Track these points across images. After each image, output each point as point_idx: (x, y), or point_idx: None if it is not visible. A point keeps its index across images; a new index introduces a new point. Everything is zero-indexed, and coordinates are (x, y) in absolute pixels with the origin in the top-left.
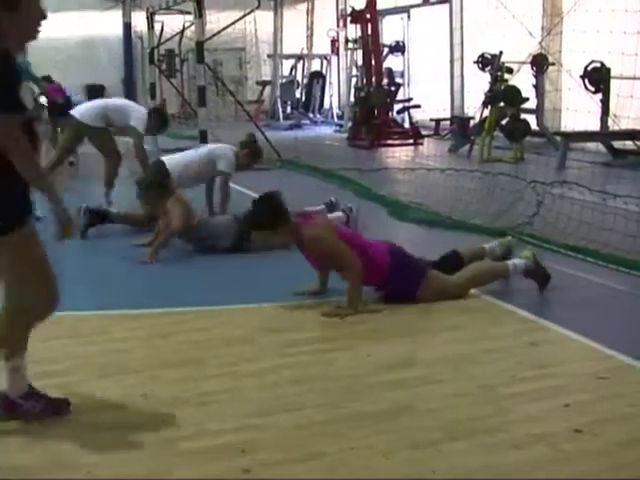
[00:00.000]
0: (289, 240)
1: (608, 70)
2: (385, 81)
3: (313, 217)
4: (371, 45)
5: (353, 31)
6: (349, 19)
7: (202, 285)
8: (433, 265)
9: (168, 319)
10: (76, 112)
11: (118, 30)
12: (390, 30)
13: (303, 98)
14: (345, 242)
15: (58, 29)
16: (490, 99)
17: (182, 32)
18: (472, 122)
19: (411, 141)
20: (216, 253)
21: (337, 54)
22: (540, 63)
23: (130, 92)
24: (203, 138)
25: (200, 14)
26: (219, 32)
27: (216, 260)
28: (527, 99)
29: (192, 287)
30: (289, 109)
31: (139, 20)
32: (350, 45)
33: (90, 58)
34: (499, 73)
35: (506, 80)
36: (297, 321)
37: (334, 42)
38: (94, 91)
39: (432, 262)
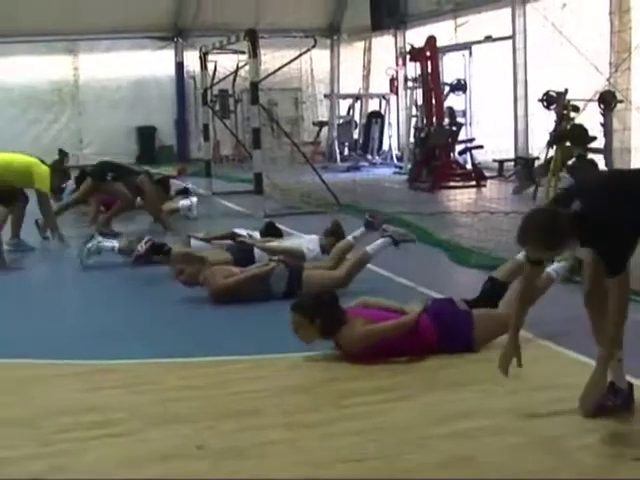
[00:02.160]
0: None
1: None
2: (446, 121)
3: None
4: (431, 83)
5: (412, 69)
6: (408, 57)
7: (255, 333)
8: (476, 302)
9: (222, 368)
10: None
11: (170, 70)
12: (451, 68)
13: (361, 139)
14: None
15: (109, 69)
16: (556, 138)
17: (236, 72)
18: (537, 163)
19: (473, 183)
20: (268, 301)
21: (396, 93)
22: (608, 100)
23: (182, 134)
24: (258, 182)
25: (255, 54)
26: (274, 72)
27: (267, 307)
28: (594, 138)
29: (244, 335)
30: (346, 150)
31: (192, 60)
32: (409, 84)
33: (141, 99)
34: (565, 111)
35: (572, 119)
36: (354, 370)
37: (393, 81)
38: (146, 133)
39: (473, 299)
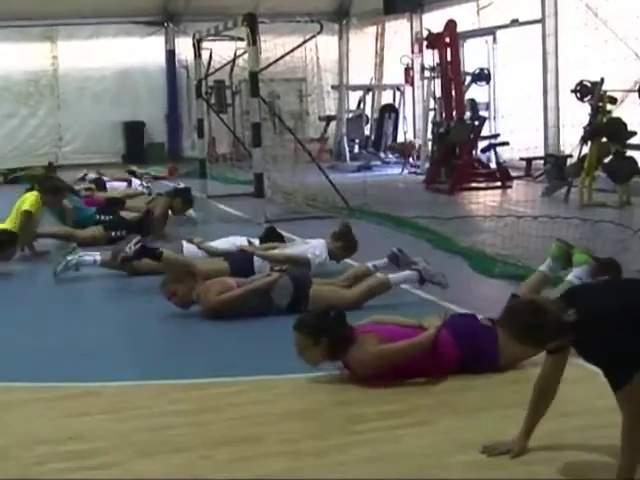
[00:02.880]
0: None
1: None
2: (467, 114)
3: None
4: (451, 73)
5: (430, 57)
6: (425, 44)
7: (254, 351)
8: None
9: (218, 390)
10: None
11: (160, 59)
12: (473, 55)
13: (373, 135)
14: (394, 342)
15: (92, 58)
16: (590, 134)
17: (234, 61)
18: (569, 161)
19: (498, 184)
20: (269, 316)
21: (412, 84)
22: None
23: (174, 129)
24: (258, 183)
25: (254, 41)
26: (276, 61)
27: (269, 322)
28: (634, 133)
29: (242, 354)
30: (357, 148)
31: (184, 47)
32: (426, 74)
33: (128, 91)
34: (600, 104)
35: (609, 111)
36: (366, 393)
37: (408, 70)
38: (133, 129)
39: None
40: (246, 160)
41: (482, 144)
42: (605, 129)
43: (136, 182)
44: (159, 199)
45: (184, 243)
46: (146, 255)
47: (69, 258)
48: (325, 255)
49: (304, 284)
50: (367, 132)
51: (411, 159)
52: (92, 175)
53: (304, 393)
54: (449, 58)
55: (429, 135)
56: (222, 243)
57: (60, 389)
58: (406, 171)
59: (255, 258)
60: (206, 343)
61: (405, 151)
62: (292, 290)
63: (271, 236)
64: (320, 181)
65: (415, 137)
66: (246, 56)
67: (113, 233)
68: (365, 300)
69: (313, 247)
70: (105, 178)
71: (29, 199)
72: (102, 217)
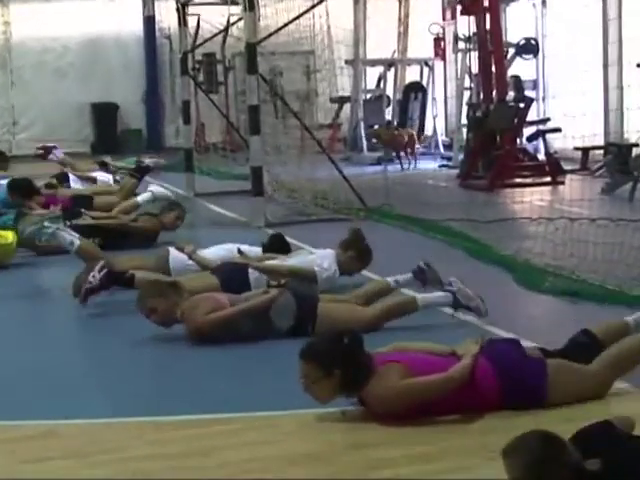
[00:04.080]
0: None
1: None
2: (510, 95)
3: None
4: (490, 44)
5: (465, 25)
6: (459, 8)
7: (250, 382)
8: (561, 353)
9: (208, 430)
10: None
11: (137, 26)
12: (517, 23)
13: (395, 120)
14: (423, 374)
15: (52, 25)
16: None
17: (226, 30)
18: (635, 151)
19: (548, 179)
20: (268, 339)
21: (442, 58)
22: None
23: (154, 113)
24: (257, 178)
25: (251, 5)
26: (278, 30)
27: (268, 347)
28: None
29: (237, 385)
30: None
31: (166, 13)
32: (461, 45)
33: (97, 65)
34: None
35: None
36: (387, 432)
37: (438, 41)
38: (104, 112)
39: (555, 352)
40: (242, 151)
41: (528, 131)
42: None
43: (105, 176)
44: (146, 218)
45: (171, 250)
46: (115, 282)
47: (46, 224)
48: (334, 268)
49: (309, 302)
50: (388, 117)
51: (403, 153)
52: (59, 152)
53: (312, 433)
54: (488, 26)
55: (463, 120)
56: (216, 252)
57: (16, 429)
58: (437, 164)
59: (250, 271)
60: (192, 372)
61: (393, 144)
62: (295, 309)
63: (276, 245)
64: (331, 176)
65: (447, 122)
66: (241, 24)
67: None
68: (385, 321)
69: (320, 258)
70: (70, 172)
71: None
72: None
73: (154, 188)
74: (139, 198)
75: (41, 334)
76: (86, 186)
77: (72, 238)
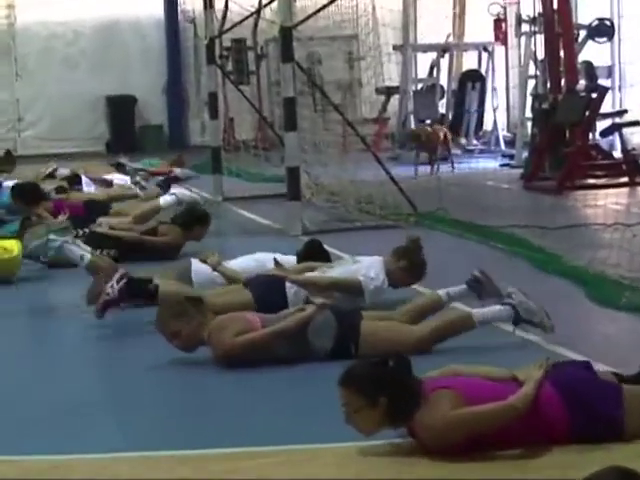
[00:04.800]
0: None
1: None
2: (581, 83)
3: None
4: (559, 26)
5: (529, 5)
6: None
7: (285, 411)
8: (638, 379)
9: (236, 464)
10: None
11: (157, 10)
12: (589, 2)
13: (450, 113)
14: (479, 402)
15: (61, 9)
16: None
17: (258, 13)
18: None
19: (625, 179)
20: (305, 362)
21: (504, 43)
22: None
23: (177, 107)
24: (293, 180)
25: None
26: (316, 12)
27: (304, 371)
28: None
29: (270, 413)
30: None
31: None
32: (525, 28)
33: (113, 54)
34: None
35: None
36: (440, 468)
37: (499, 24)
38: (121, 106)
39: (632, 376)
40: (276, 149)
41: (602, 125)
42: None
43: (122, 179)
44: (167, 227)
45: (194, 262)
46: (136, 294)
47: (52, 237)
48: (382, 277)
49: (351, 320)
50: (442, 109)
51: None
52: (64, 170)
53: (354, 468)
54: (556, 6)
55: (528, 113)
56: (245, 263)
57: (19, 464)
58: (498, 162)
59: (288, 285)
60: (219, 400)
61: (428, 143)
62: (336, 329)
63: (313, 253)
64: (377, 177)
65: (509, 115)
66: (275, 5)
67: (97, 251)
68: (437, 341)
69: (366, 267)
70: (82, 174)
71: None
72: (76, 231)
73: (178, 191)
74: (161, 201)
75: (48, 356)
76: (100, 190)
77: (82, 252)
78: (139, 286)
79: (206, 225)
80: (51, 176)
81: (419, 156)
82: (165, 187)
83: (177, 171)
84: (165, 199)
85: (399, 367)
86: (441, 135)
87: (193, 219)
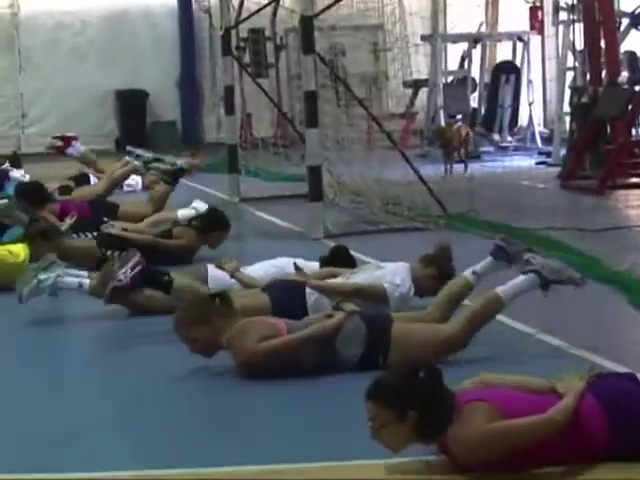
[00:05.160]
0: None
1: None
2: (624, 75)
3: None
4: (599, 14)
5: None
6: None
7: (309, 424)
8: None
9: None
10: None
11: None
12: None
13: (483, 108)
14: (516, 415)
15: None
16: None
17: (277, 1)
18: None
19: None
20: (334, 372)
21: (540, 32)
22: None
23: (191, 102)
24: (314, 180)
25: None
26: (339, 0)
27: (331, 384)
28: None
29: (293, 426)
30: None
31: None
32: (563, 16)
33: (123, 45)
34: None
35: None
36: None
37: (535, 11)
38: (131, 101)
39: None
40: (296, 146)
41: None
42: None
43: (134, 179)
44: (182, 230)
45: (210, 268)
46: (148, 284)
47: (42, 277)
48: (409, 284)
49: (382, 325)
50: (474, 104)
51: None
52: (79, 147)
53: None
54: None
55: (566, 107)
56: (264, 269)
57: None
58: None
59: (308, 291)
60: (239, 412)
61: (449, 142)
62: (365, 336)
63: (339, 260)
64: (405, 176)
65: (546, 109)
66: None
67: (108, 252)
68: (471, 333)
69: (391, 273)
70: (91, 173)
71: None
72: (84, 234)
73: (198, 205)
74: (179, 214)
75: (57, 369)
76: (101, 181)
77: (79, 279)
78: (153, 276)
79: (225, 231)
80: (61, 151)
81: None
82: (173, 182)
83: (180, 162)
84: (183, 212)
85: (430, 378)
86: (463, 133)
87: (212, 224)
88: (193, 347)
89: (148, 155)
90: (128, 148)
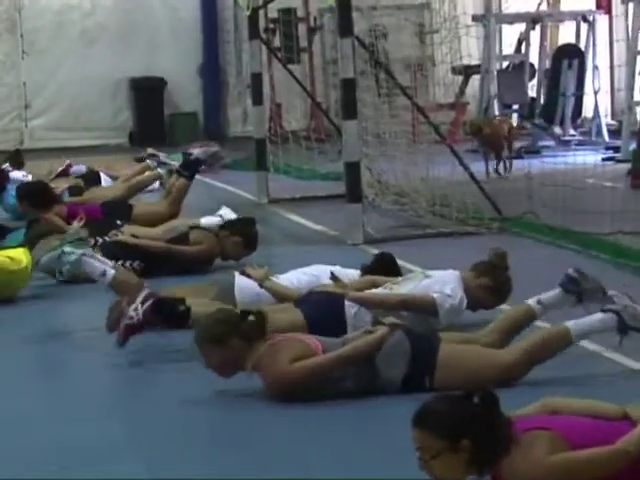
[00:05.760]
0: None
1: None
2: None
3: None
4: None
5: None
6: None
7: (348, 454)
8: None
9: None
10: None
11: None
12: None
13: (542, 97)
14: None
15: None
16: None
17: None
18: None
19: None
20: (373, 396)
21: (607, 11)
22: None
23: (214, 91)
24: (353, 179)
25: None
26: None
27: (371, 409)
28: None
29: (329, 456)
30: (515, 118)
31: None
32: None
33: (137, 28)
34: None
35: None
36: None
37: None
38: (147, 91)
39: None
40: (332, 141)
41: None
42: None
43: None
44: (200, 234)
45: (237, 276)
46: (164, 318)
47: (67, 250)
48: (460, 295)
49: (428, 343)
50: (532, 92)
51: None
52: (80, 167)
53: None
54: None
55: (637, 96)
56: (296, 278)
57: None
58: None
59: (347, 304)
60: (269, 441)
61: (492, 138)
62: (410, 355)
63: (383, 270)
64: (454, 174)
65: (614, 98)
66: None
67: (118, 262)
68: (530, 365)
69: (440, 282)
70: (102, 172)
71: None
72: (95, 239)
73: (225, 212)
74: (203, 221)
75: (62, 391)
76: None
77: (104, 267)
78: (168, 308)
79: (250, 249)
80: (64, 174)
81: (487, 153)
82: (187, 174)
83: (196, 151)
84: (208, 220)
85: (485, 403)
86: (505, 129)
87: (233, 229)
88: (208, 363)
89: (174, 163)
90: (149, 151)
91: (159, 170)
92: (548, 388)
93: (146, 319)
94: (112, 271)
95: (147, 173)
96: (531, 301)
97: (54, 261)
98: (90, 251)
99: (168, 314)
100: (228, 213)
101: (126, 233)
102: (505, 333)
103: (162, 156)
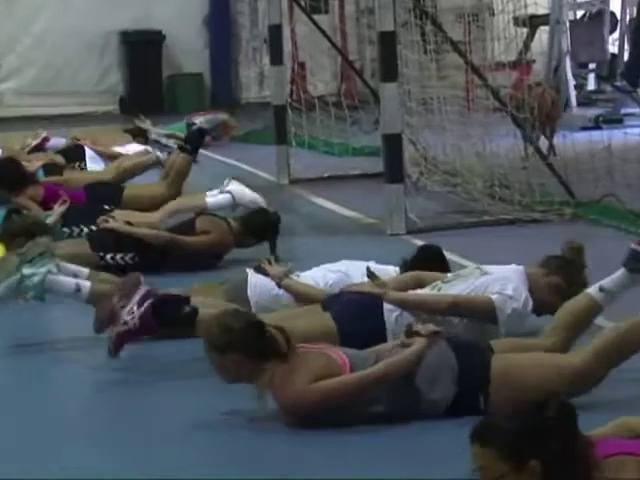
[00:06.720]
0: None
1: None
2: None
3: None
4: None
5: None
6: None
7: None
8: None
9: None
10: None
11: None
12: None
13: (625, 54)
14: None
15: None
16: None
17: None
18: None
19: None
20: (412, 419)
21: None
22: None
23: (222, 49)
24: (393, 154)
25: None
26: None
27: (412, 433)
28: None
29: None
30: (592, 81)
31: None
32: None
33: None
34: None
35: None
36: None
37: None
38: (142, 47)
39: None
40: (368, 108)
41: None
42: None
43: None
44: (208, 221)
45: (250, 274)
46: (164, 322)
47: (27, 272)
48: (524, 295)
49: (479, 356)
50: (613, 48)
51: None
52: (60, 139)
53: None
54: None
55: None
56: (322, 276)
57: None
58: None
59: (387, 307)
60: (286, 472)
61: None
62: (457, 370)
63: (429, 265)
64: (515, 151)
65: None
66: None
67: (107, 255)
68: (609, 367)
69: (500, 281)
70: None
71: None
72: (79, 228)
73: (235, 187)
74: (209, 199)
75: (45, 412)
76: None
77: (76, 280)
78: (171, 310)
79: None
80: (39, 149)
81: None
82: (192, 148)
83: (199, 120)
84: (215, 198)
85: (560, 417)
86: (549, 100)
87: (259, 230)
88: (213, 367)
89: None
90: (153, 136)
91: (158, 154)
92: (627, 407)
93: (144, 325)
94: (87, 283)
95: (143, 158)
96: (591, 289)
97: (13, 289)
98: (55, 265)
99: (170, 317)
100: (239, 189)
101: (118, 219)
102: (568, 334)
103: (156, 132)
